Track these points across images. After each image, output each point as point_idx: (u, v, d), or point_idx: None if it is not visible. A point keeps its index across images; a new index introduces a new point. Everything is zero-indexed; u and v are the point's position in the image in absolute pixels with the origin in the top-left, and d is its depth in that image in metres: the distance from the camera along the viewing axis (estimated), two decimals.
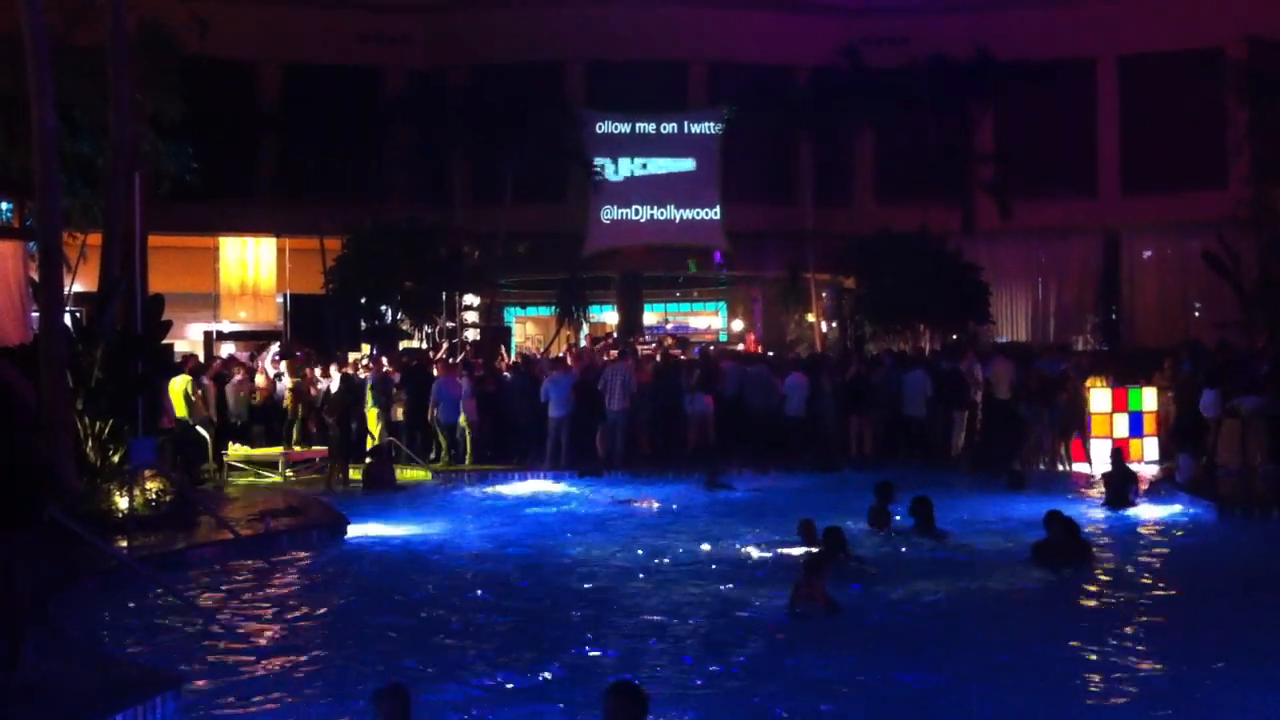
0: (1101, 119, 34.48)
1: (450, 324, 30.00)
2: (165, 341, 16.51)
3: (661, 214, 34.40)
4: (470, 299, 31.71)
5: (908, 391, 22.35)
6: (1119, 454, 18.62)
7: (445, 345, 28.02)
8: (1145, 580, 12.85)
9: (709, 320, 40.76)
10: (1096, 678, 9.12)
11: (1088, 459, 20.88)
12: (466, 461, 21.62)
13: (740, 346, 35.68)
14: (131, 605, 11.36)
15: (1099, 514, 16.81)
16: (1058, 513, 13.41)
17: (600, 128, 33.98)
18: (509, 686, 8.89)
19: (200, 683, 8.83)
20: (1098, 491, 18.31)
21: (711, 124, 34.18)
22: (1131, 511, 16.82)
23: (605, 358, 25.13)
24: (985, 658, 9.65)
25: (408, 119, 31.84)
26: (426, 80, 32.82)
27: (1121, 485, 17.50)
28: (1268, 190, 28.05)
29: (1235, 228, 27.65)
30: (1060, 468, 20.94)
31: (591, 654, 9.82)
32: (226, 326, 32.76)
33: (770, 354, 30.62)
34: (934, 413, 22.37)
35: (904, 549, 13.98)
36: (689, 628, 10.63)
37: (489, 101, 30.84)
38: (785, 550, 13.73)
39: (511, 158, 30.89)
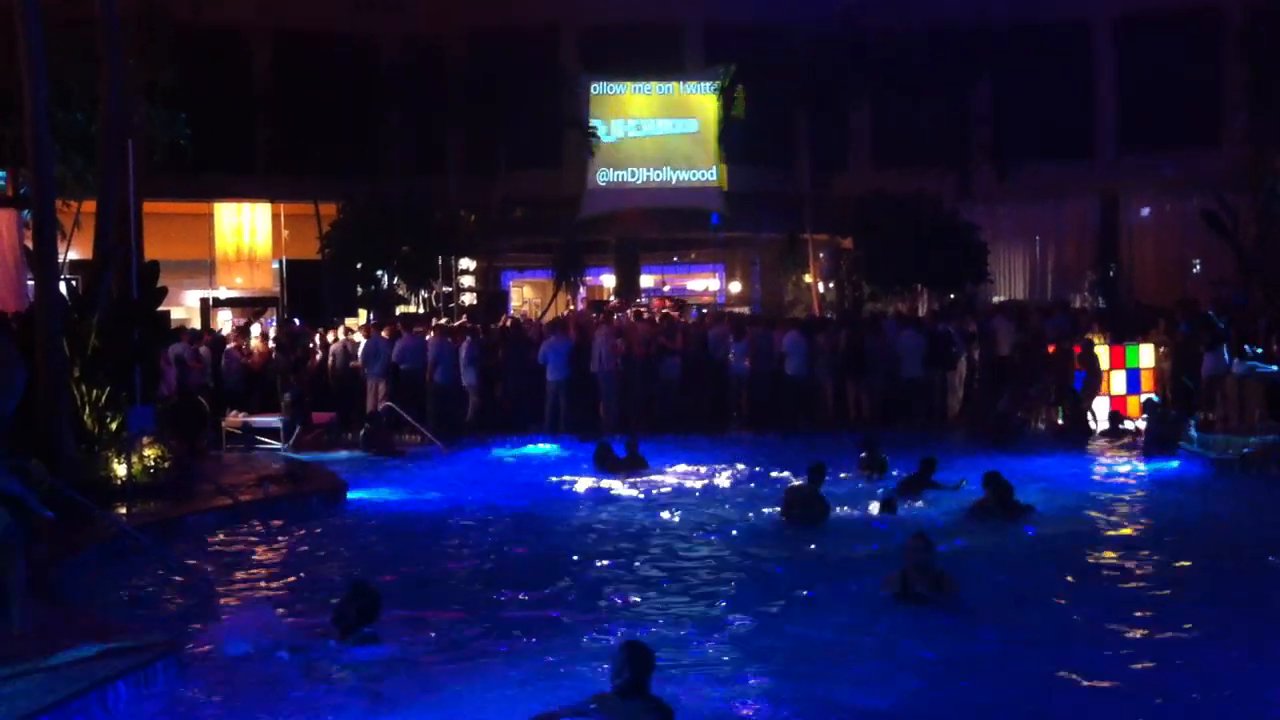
0: (1099, 79, 34.30)
1: (447, 288, 29.96)
2: (161, 309, 16.49)
3: (658, 177, 34.32)
4: (467, 263, 31.65)
5: (903, 352, 22.36)
6: (1152, 404, 18.82)
7: (443, 319, 28.01)
8: (1143, 536, 12.90)
9: (706, 283, 40.68)
10: (1089, 632, 9.15)
11: (1092, 415, 20.86)
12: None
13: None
14: (130, 572, 11.38)
15: (1099, 469, 16.97)
16: (996, 474, 13.44)
17: (596, 90, 33.85)
18: (507, 650, 8.92)
19: (199, 648, 8.84)
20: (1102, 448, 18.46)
21: (708, 85, 34.03)
22: (1129, 469, 16.88)
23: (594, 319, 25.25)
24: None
25: (403, 86, 31.65)
26: (421, 47, 32.61)
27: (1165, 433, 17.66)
28: (1265, 149, 27.96)
29: (1233, 187, 27.57)
30: (1060, 424, 20.96)
31: (591, 617, 9.84)
32: (223, 293, 32.73)
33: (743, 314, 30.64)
34: (930, 374, 22.39)
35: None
36: (688, 587, 10.71)
37: (484, 67, 30.70)
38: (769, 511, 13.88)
39: (507, 123, 30.76)
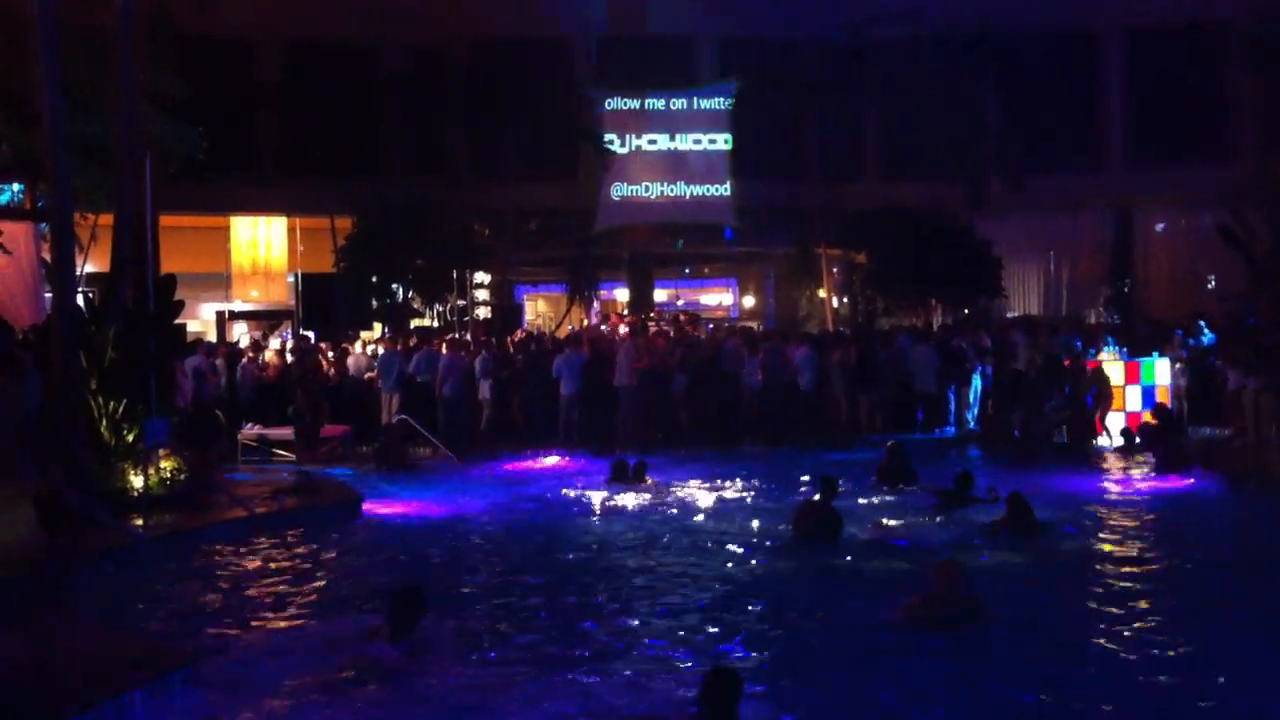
0: (1110, 91, 34.34)
1: (461, 302, 30.02)
2: (178, 321, 16.54)
3: (672, 191, 34.36)
4: (481, 277, 31.70)
5: (916, 367, 22.36)
6: (1145, 427, 18.77)
7: (454, 335, 28.07)
8: (1155, 553, 12.82)
9: (720, 297, 40.66)
10: (1103, 647, 9.12)
11: (1105, 432, 20.83)
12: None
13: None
14: (146, 583, 11.42)
15: (1115, 486, 16.91)
16: (1018, 495, 13.36)
17: (609, 104, 33.94)
18: (521, 660, 8.94)
19: (214, 659, 8.86)
20: (1115, 465, 18.40)
21: (721, 99, 34.09)
22: (1144, 486, 16.82)
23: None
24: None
25: (415, 98, 31.72)
26: (430, 57, 32.68)
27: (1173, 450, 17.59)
28: (1278, 161, 27.92)
29: (1246, 199, 27.52)
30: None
31: (602, 627, 9.87)
32: (239, 306, 32.85)
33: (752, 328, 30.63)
34: (944, 389, 22.39)
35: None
36: (696, 604, 10.69)
37: (497, 79, 30.80)
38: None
39: (520, 136, 30.84)
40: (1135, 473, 17.94)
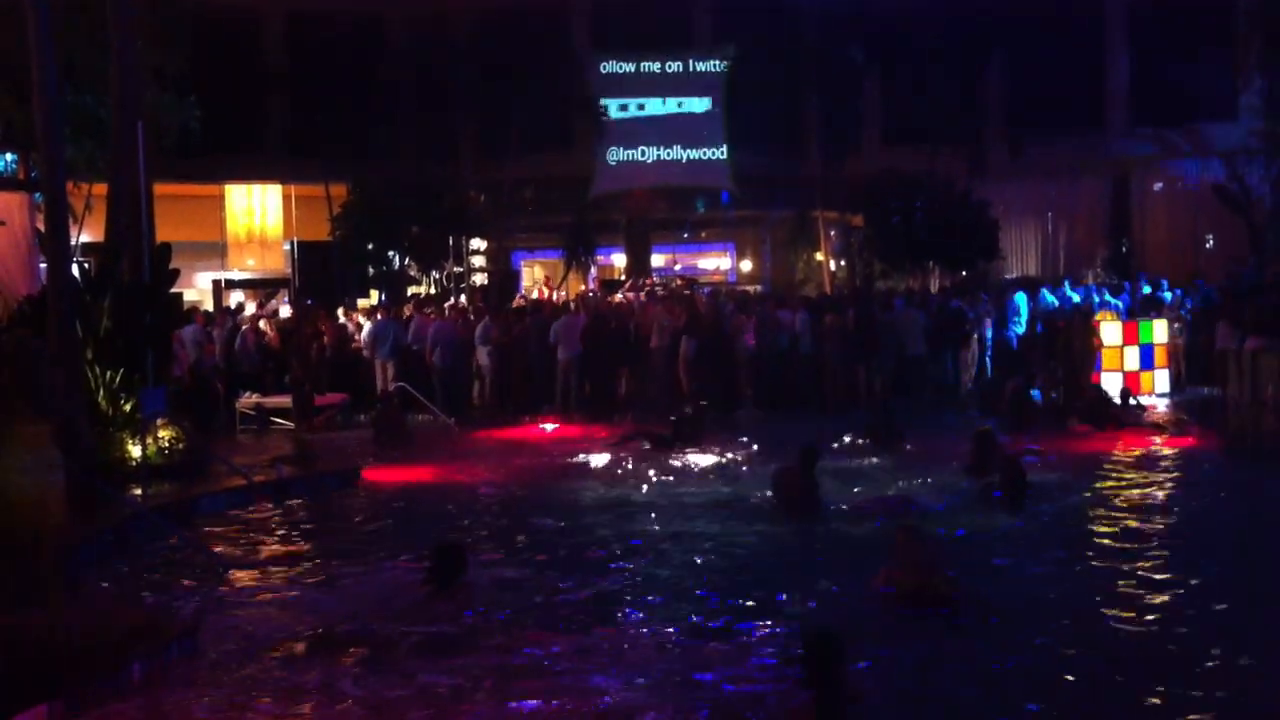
0: (1111, 53, 34.19)
1: (458, 268, 30.00)
2: (174, 290, 16.52)
3: (668, 154, 34.25)
4: (478, 244, 31.66)
5: (905, 330, 22.36)
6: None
7: (451, 302, 28.06)
8: (1148, 517, 12.79)
9: (717, 261, 40.64)
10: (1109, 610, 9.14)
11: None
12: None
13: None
14: (145, 553, 11.44)
15: (1105, 450, 16.86)
16: (1014, 460, 13.27)
17: (605, 68, 33.79)
18: (552, 622, 8.98)
19: (213, 629, 8.85)
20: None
21: (717, 62, 33.94)
22: (1137, 448, 16.79)
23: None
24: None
25: (413, 67, 31.56)
26: (431, 27, 32.52)
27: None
28: None
29: (1246, 160, 27.48)
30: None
31: (605, 591, 9.89)
32: (235, 275, 32.81)
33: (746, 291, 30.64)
34: (937, 351, 22.36)
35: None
36: (696, 563, 10.71)
37: (494, 48, 30.67)
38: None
39: (517, 104, 30.74)
40: (1128, 435, 17.85)
